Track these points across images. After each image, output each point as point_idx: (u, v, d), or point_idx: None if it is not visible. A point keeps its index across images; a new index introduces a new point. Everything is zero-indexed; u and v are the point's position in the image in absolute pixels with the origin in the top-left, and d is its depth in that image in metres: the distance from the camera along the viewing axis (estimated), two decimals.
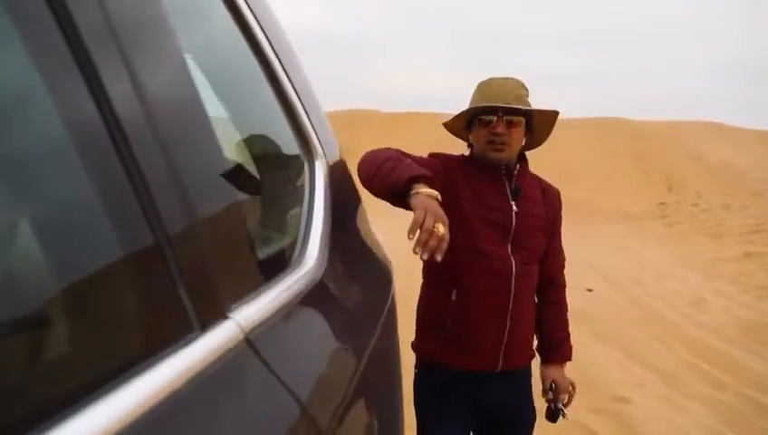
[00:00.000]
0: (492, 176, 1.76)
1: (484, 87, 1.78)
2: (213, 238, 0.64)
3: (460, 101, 1.88)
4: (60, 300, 0.46)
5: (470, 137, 1.81)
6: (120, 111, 0.50)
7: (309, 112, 1.07)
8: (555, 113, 1.80)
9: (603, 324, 5.42)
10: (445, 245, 1.24)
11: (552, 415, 1.90)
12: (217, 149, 0.70)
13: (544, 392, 1.91)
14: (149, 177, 0.53)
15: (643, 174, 17.96)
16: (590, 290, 6.68)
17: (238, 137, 0.98)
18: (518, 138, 1.74)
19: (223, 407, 0.55)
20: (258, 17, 0.91)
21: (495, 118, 1.71)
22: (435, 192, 1.34)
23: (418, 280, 1.86)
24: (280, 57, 0.97)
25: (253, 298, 0.70)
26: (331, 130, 1.29)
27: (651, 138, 20.34)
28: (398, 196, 1.37)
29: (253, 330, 0.65)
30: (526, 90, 1.78)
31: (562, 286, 1.96)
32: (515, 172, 1.79)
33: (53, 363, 0.44)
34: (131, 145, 0.51)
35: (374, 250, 1.40)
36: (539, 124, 1.80)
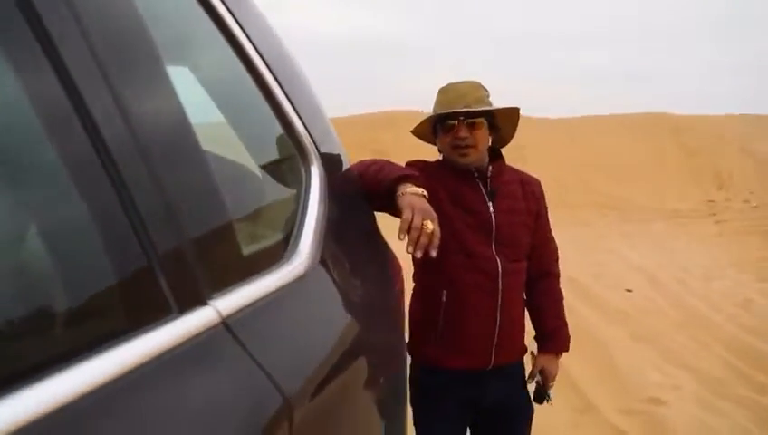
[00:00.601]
0: (467, 179, 1.80)
1: (443, 92, 1.81)
2: (195, 234, 0.72)
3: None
4: (51, 282, 0.55)
5: (437, 142, 1.85)
6: (92, 105, 0.58)
7: (305, 119, 1.14)
8: (516, 109, 1.82)
9: (642, 325, 5.32)
10: (436, 240, 1.26)
11: (539, 397, 1.95)
12: (202, 153, 0.77)
13: (530, 377, 1.94)
14: (130, 179, 0.61)
15: (691, 170, 17.39)
16: (629, 290, 6.56)
17: (235, 142, 1.06)
18: (482, 138, 1.77)
19: (193, 381, 0.63)
20: (246, 29, 0.99)
21: (457, 122, 1.75)
22: (421, 190, 1.37)
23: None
24: (270, 65, 1.05)
25: (236, 288, 0.77)
26: (335, 135, 1.35)
27: (698, 133, 19.65)
28: (385, 197, 1.40)
29: (232, 316, 0.72)
30: (486, 90, 1.81)
31: (557, 276, 1.98)
32: (489, 173, 1.81)
33: (43, 331, 0.52)
34: (110, 143, 0.59)
35: (379, 248, 1.44)
36: (503, 122, 1.82)
